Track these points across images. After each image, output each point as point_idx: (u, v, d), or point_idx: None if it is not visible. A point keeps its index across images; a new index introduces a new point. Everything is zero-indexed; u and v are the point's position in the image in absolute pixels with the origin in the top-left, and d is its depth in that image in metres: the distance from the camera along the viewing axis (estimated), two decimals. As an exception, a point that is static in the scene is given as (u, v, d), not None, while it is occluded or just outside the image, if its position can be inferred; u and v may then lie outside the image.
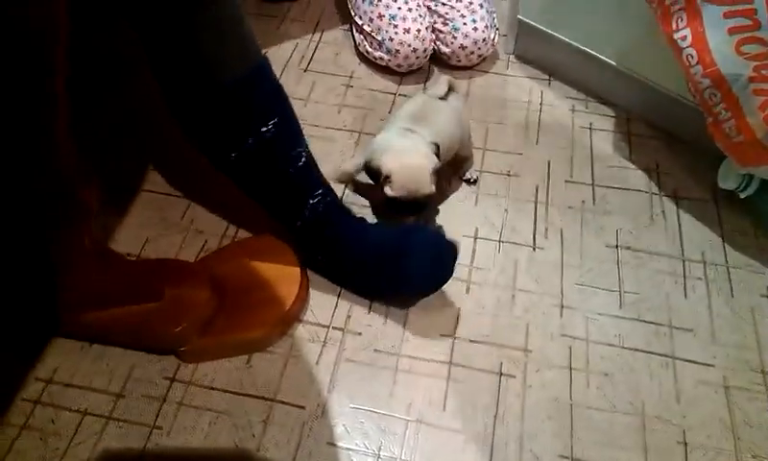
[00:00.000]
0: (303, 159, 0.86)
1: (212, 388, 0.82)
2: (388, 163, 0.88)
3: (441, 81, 1.00)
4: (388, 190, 0.88)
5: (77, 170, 0.73)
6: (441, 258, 0.87)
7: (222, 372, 0.83)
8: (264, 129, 0.81)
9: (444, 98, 0.98)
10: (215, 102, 0.79)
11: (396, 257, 0.86)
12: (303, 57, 1.26)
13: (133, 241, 0.97)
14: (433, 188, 0.89)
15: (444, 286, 0.88)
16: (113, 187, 1.02)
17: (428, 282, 0.88)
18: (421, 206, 0.91)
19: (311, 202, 0.86)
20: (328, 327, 0.88)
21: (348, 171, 1.00)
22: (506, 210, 1.01)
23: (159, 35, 0.75)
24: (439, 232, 0.91)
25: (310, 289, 0.91)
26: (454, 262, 0.86)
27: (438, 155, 0.89)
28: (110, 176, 1.03)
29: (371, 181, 0.94)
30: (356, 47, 1.26)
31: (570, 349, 0.85)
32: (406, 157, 0.88)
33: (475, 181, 1.04)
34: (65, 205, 0.74)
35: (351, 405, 0.80)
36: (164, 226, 0.99)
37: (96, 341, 0.85)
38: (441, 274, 0.87)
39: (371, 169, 0.90)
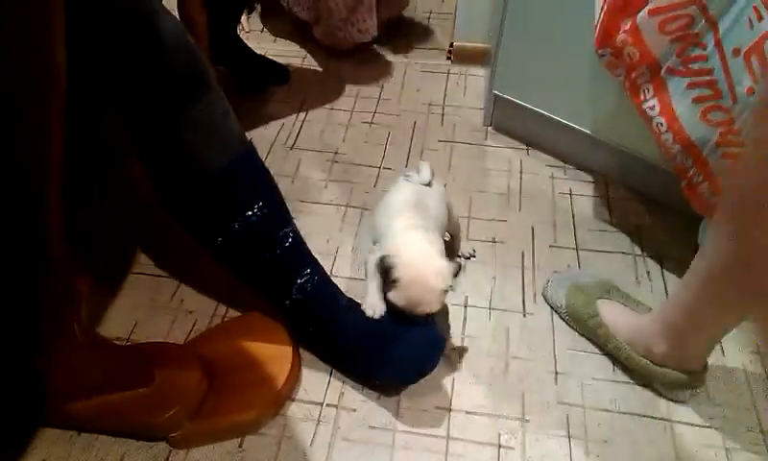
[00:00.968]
0: (290, 240, 0.87)
1: (204, 475, 0.79)
2: (401, 270, 0.81)
3: (423, 168, 0.97)
4: (392, 295, 0.82)
5: (67, 256, 0.73)
6: (426, 349, 0.85)
7: (214, 457, 0.81)
8: (249, 213, 0.82)
9: (428, 184, 0.95)
10: (200, 190, 0.81)
11: (380, 346, 0.85)
12: (289, 135, 1.30)
13: (122, 324, 0.96)
14: (438, 308, 0.83)
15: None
16: (102, 270, 1.02)
17: (409, 372, 0.86)
18: (424, 319, 0.84)
19: (299, 281, 0.87)
20: (322, 404, 0.86)
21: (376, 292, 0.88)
22: (494, 277, 1.02)
23: (145, 128, 0.78)
24: (426, 322, 0.86)
25: (302, 366, 0.90)
26: (439, 355, 0.85)
27: (456, 273, 0.83)
28: (99, 259, 1.03)
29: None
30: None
31: (567, 416, 0.84)
32: (421, 269, 0.81)
33: (472, 257, 1.05)
34: (55, 291, 0.74)
35: (348, 486, 0.78)
36: (153, 308, 0.98)
37: (85, 429, 0.83)
38: (424, 365, 0.85)
39: (383, 265, 0.82)
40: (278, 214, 0.87)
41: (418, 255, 0.82)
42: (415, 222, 0.86)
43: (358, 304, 0.88)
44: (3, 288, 0.70)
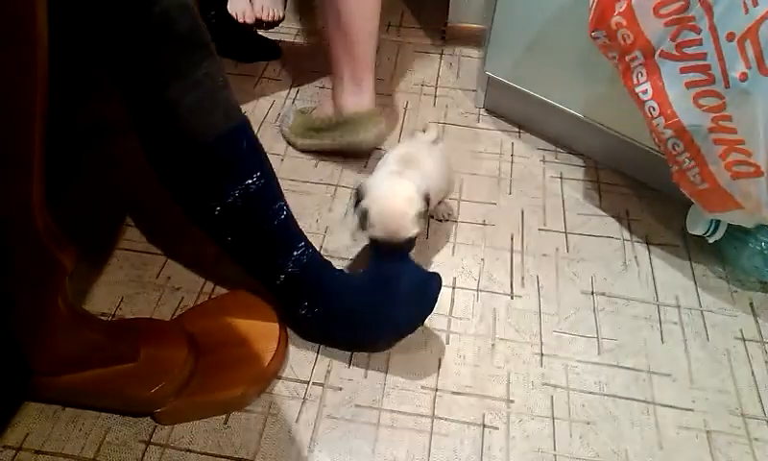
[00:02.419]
0: (285, 213, 0.87)
1: (189, 450, 0.79)
2: (370, 205, 0.87)
3: (430, 128, 1.05)
4: (370, 231, 0.87)
5: (49, 228, 0.72)
6: (424, 292, 0.87)
7: (199, 433, 0.81)
8: (249, 182, 0.81)
9: (434, 143, 1.01)
10: (199, 157, 0.79)
11: (379, 302, 0.86)
12: (280, 113, 1.29)
13: (108, 300, 0.95)
14: (415, 231, 0.87)
15: (425, 337, 0.88)
16: (88, 246, 1.01)
17: (413, 319, 0.88)
18: (405, 250, 0.90)
19: (295, 254, 0.86)
20: (308, 382, 0.86)
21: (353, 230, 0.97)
22: (482, 259, 1.02)
23: (144, 92, 0.76)
24: (419, 268, 0.90)
25: (289, 344, 0.90)
26: (438, 290, 0.86)
27: (427, 199, 0.89)
28: (85, 234, 1.02)
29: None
30: None
31: (552, 398, 0.85)
32: (389, 199, 0.87)
33: (446, 220, 1.08)
34: (38, 265, 0.73)
35: (333, 464, 0.79)
36: (140, 284, 0.97)
37: (69, 404, 0.83)
38: (423, 307, 0.87)
39: (360, 209, 0.89)
40: (275, 186, 0.87)
41: (387, 188, 0.89)
42: (395, 169, 0.92)
43: (351, 275, 0.90)
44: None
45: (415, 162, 0.93)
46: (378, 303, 0.86)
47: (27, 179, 0.64)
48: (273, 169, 0.87)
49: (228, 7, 1.37)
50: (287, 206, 0.88)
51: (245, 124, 0.84)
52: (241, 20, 1.41)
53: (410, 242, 0.88)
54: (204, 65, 0.78)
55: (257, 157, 0.85)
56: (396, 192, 0.88)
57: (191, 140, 0.79)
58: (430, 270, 0.92)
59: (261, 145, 0.86)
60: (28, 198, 0.66)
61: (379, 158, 0.98)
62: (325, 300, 0.88)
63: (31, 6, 0.54)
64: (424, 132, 1.05)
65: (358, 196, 0.89)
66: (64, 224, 0.74)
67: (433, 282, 0.87)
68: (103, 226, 1.06)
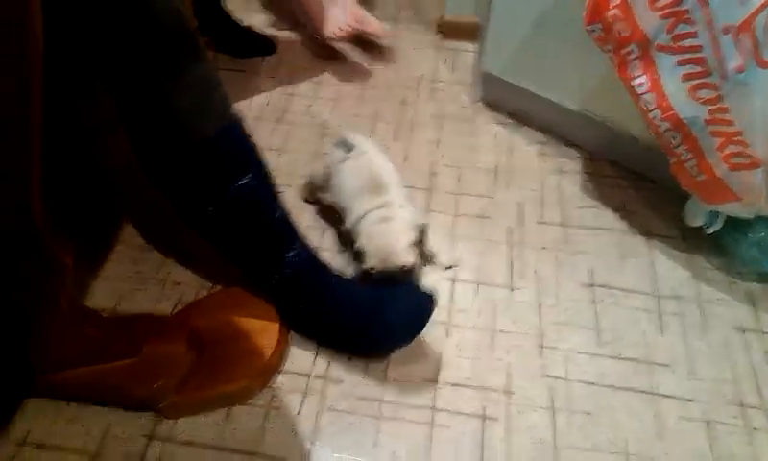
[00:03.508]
0: (279, 212, 0.87)
1: (192, 444, 0.79)
2: (365, 244, 0.89)
3: (339, 142, 1.00)
4: (367, 263, 0.89)
5: (49, 228, 0.72)
6: (418, 307, 0.86)
7: (201, 427, 0.81)
8: (241, 182, 0.82)
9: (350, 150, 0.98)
10: (191, 157, 0.80)
11: (372, 313, 0.86)
12: (276, 109, 1.28)
13: (108, 297, 0.95)
14: (410, 259, 0.88)
15: (425, 330, 0.88)
16: (88, 242, 1.01)
17: (403, 336, 0.87)
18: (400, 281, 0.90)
19: (288, 255, 0.86)
20: (309, 375, 0.87)
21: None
22: (481, 252, 1.02)
23: (135, 94, 0.77)
24: (414, 284, 0.92)
25: (290, 338, 0.90)
26: (429, 314, 0.86)
27: (421, 230, 0.91)
28: (85, 231, 1.02)
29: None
30: None
31: (552, 389, 0.86)
32: (380, 227, 0.90)
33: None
34: (40, 265, 0.73)
35: (335, 456, 0.79)
36: (140, 279, 0.97)
37: (71, 400, 0.83)
38: (419, 323, 0.86)
39: (356, 253, 0.92)
40: (269, 185, 0.87)
41: (376, 223, 0.90)
42: (376, 202, 0.92)
43: (347, 278, 0.90)
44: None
45: (383, 185, 0.94)
46: (373, 315, 0.86)
47: (26, 181, 0.64)
48: (268, 169, 0.87)
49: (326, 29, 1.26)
50: (282, 205, 0.87)
51: (238, 124, 0.84)
52: (340, 36, 1.26)
53: (407, 271, 0.89)
54: (196, 67, 0.78)
55: (250, 158, 0.85)
56: (386, 225, 0.90)
57: (183, 141, 0.79)
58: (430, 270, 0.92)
59: (255, 145, 0.86)
60: (27, 199, 0.66)
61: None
62: (321, 303, 0.88)
63: (25, 8, 0.54)
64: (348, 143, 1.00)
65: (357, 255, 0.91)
66: (64, 221, 0.74)
67: (427, 301, 0.86)
68: (102, 222, 1.06)
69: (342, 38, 1.26)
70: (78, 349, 0.81)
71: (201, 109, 0.79)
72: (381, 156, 0.99)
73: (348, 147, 0.98)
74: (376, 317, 0.85)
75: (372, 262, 0.88)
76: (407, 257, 0.88)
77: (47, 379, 0.82)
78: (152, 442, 0.79)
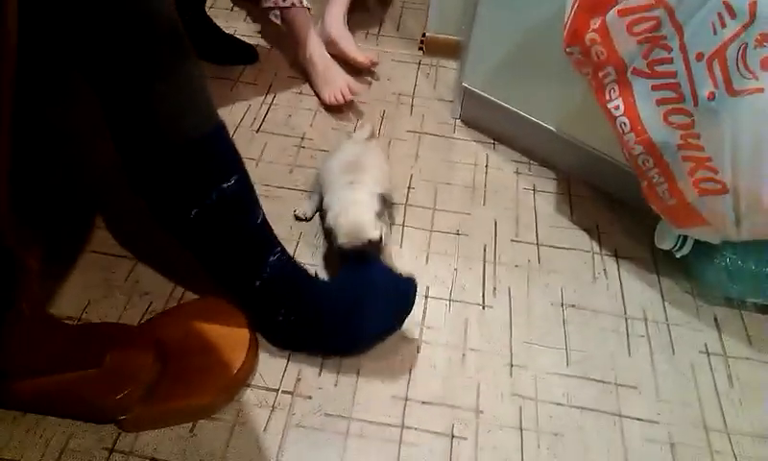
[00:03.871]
0: (261, 216, 0.87)
1: (154, 459, 0.78)
2: (333, 220, 0.93)
3: (365, 127, 1.08)
4: (336, 242, 0.92)
5: (12, 228, 0.70)
6: (399, 295, 0.88)
7: (164, 441, 0.79)
8: (225, 185, 0.81)
9: (369, 140, 1.06)
10: (175, 159, 0.78)
11: (358, 306, 0.86)
12: (256, 118, 1.28)
13: (74, 304, 0.93)
14: (376, 233, 0.90)
15: (396, 346, 0.88)
16: (55, 248, 0.98)
17: (390, 322, 0.89)
18: (371, 255, 0.93)
19: (271, 259, 0.86)
20: (277, 390, 0.85)
21: (301, 217, 1.08)
22: (456, 269, 1.03)
23: (121, 94, 0.75)
24: (392, 271, 0.93)
25: (259, 352, 0.89)
26: (413, 297, 0.88)
27: (383, 199, 0.94)
28: (52, 236, 1.00)
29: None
30: None
31: (521, 409, 0.86)
32: (347, 206, 0.93)
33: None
34: (1, 265, 0.71)
35: (301, 473, 0.78)
36: (107, 287, 0.96)
37: (30, 410, 0.81)
38: (400, 309, 0.88)
39: (326, 231, 0.96)
40: (251, 189, 0.86)
41: (345, 200, 0.94)
42: (346, 179, 0.97)
43: (325, 282, 0.93)
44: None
45: (361, 167, 0.99)
46: (355, 308, 0.86)
47: None
48: (248, 173, 0.87)
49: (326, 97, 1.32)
50: (262, 211, 0.87)
51: (222, 126, 0.83)
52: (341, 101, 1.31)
53: (374, 245, 0.91)
54: (184, 68, 0.77)
55: (234, 160, 0.84)
56: (353, 200, 0.94)
57: (170, 142, 0.78)
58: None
59: (236, 148, 0.85)
60: None
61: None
62: (303, 306, 0.87)
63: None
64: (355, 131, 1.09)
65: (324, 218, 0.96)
66: (31, 225, 0.72)
67: (408, 285, 0.88)
68: (71, 228, 1.04)
69: (336, 105, 1.33)
70: (40, 357, 0.79)
71: (189, 110, 0.78)
72: (376, 147, 1.04)
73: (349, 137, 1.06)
74: (359, 309, 0.86)
75: (341, 239, 0.91)
76: (373, 232, 0.90)
77: (6, 388, 0.79)
78: (113, 455, 0.78)
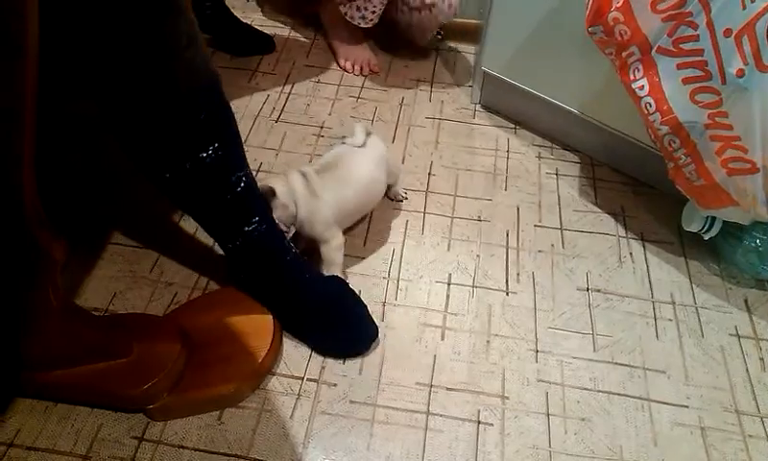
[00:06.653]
0: (243, 185, 0.84)
1: (182, 447, 0.79)
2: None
3: (357, 130, 1.00)
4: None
5: (42, 221, 0.71)
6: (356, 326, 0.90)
7: (192, 429, 0.80)
8: (204, 154, 0.79)
9: (362, 146, 0.98)
10: (151, 120, 0.76)
11: (322, 311, 0.88)
12: (275, 108, 1.28)
13: (101, 295, 0.94)
14: (278, 188, 0.89)
15: (420, 333, 0.88)
16: (81, 240, 1.00)
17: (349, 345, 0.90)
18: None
19: (246, 229, 0.85)
20: (302, 378, 0.86)
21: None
22: (478, 256, 1.02)
23: (100, 44, 0.71)
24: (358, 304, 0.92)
25: (283, 340, 0.89)
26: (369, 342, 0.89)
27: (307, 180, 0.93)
28: (78, 228, 1.01)
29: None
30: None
31: (547, 394, 0.85)
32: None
33: (402, 200, 1.10)
34: (29, 258, 0.72)
35: (327, 460, 0.78)
36: (133, 279, 0.97)
37: (61, 400, 0.82)
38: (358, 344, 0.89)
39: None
40: (234, 157, 0.84)
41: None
42: (305, 170, 0.94)
43: (305, 261, 0.91)
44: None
45: (333, 170, 0.95)
46: (319, 318, 0.88)
47: (17, 160, 0.63)
48: (237, 135, 0.85)
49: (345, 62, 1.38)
50: (248, 176, 0.85)
51: (209, 87, 0.80)
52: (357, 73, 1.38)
53: (268, 195, 0.90)
54: (166, 23, 0.72)
55: (218, 126, 0.81)
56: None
57: (143, 101, 0.75)
58: (428, 266, 0.92)
59: (228, 107, 0.83)
60: (17, 181, 0.65)
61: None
62: (268, 284, 0.88)
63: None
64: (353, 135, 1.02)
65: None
66: (57, 218, 0.73)
67: (369, 330, 0.90)
68: (96, 220, 1.05)
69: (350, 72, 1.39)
70: (69, 348, 0.80)
71: (168, 68, 0.75)
72: (373, 149, 0.99)
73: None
74: (324, 319, 0.88)
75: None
76: (276, 185, 0.90)
77: (37, 378, 0.81)
78: (142, 444, 0.79)
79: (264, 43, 1.41)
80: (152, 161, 0.81)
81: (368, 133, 1.00)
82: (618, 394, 0.85)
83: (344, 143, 1.00)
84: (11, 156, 0.62)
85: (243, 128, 1.21)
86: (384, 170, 1.00)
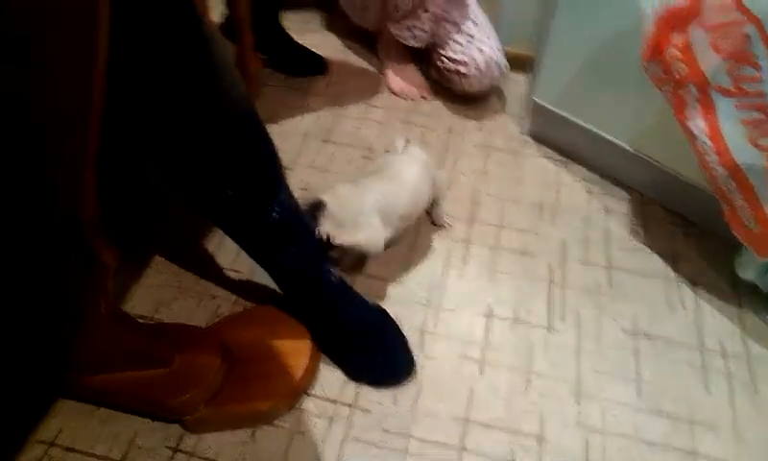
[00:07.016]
0: (276, 214, 0.83)
1: (215, 461, 0.80)
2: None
3: (398, 141, 1.06)
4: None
5: (98, 228, 0.73)
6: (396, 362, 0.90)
7: (226, 444, 0.81)
8: (231, 192, 0.80)
9: (404, 153, 1.03)
10: (191, 147, 0.78)
11: (359, 342, 0.89)
12: (324, 128, 1.30)
13: (147, 303, 0.97)
14: (326, 199, 0.91)
15: (458, 366, 0.86)
16: (131, 248, 1.03)
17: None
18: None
19: (280, 259, 0.86)
20: (336, 402, 0.86)
21: None
22: (521, 289, 1.00)
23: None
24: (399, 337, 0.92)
25: (320, 362, 0.89)
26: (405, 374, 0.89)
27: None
28: (129, 236, 1.04)
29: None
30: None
31: (587, 440, 0.82)
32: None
33: (445, 226, 1.09)
34: (83, 263, 0.74)
35: (357, 488, 0.78)
36: (178, 289, 0.99)
37: (102, 404, 0.84)
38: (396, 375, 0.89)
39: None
40: (264, 188, 0.84)
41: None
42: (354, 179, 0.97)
43: (345, 284, 0.91)
44: (32, 254, 0.71)
45: (378, 172, 0.98)
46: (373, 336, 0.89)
47: (78, 168, 0.64)
48: (272, 165, 0.85)
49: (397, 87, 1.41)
50: (283, 207, 0.84)
51: (246, 115, 0.81)
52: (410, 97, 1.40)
53: (317, 208, 0.91)
54: (206, 54, 0.74)
55: (247, 160, 0.82)
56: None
57: (176, 124, 0.76)
58: (468, 298, 0.91)
59: (264, 139, 0.83)
60: (77, 188, 0.66)
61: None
62: (308, 307, 0.89)
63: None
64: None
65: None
66: (110, 225, 0.76)
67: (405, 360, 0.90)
68: (146, 229, 1.09)
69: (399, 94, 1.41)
70: (114, 352, 0.82)
71: (208, 91, 0.76)
72: (417, 155, 1.02)
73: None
74: (360, 349, 0.89)
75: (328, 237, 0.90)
76: (326, 196, 0.91)
77: (82, 381, 0.83)
78: (176, 455, 0.80)
79: (317, 64, 1.44)
80: (185, 190, 0.83)
81: (407, 141, 1.05)
82: (662, 445, 0.82)
83: (387, 152, 1.03)
84: (75, 162, 0.64)
85: (292, 147, 1.23)
86: (429, 176, 1.01)
